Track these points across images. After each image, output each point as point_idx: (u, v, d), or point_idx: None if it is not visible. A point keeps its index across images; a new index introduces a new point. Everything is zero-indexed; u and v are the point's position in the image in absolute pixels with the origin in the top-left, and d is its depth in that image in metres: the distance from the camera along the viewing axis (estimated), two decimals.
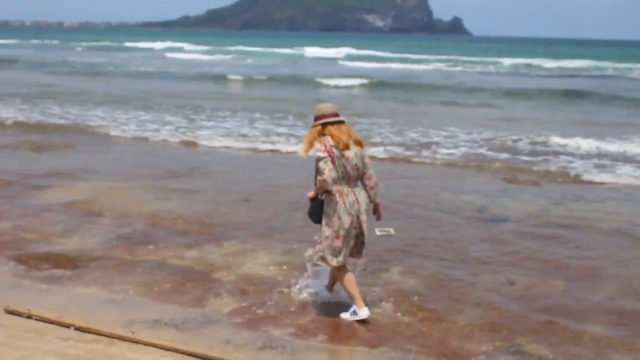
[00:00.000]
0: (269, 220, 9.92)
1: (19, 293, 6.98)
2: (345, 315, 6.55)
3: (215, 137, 17.69)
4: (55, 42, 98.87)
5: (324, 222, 6.42)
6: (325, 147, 6.20)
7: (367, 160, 6.47)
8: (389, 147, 16.30)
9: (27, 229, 9.24)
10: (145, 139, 17.42)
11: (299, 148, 6.66)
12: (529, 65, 57.64)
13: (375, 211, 6.73)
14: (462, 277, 7.77)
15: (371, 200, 6.57)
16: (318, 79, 37.40)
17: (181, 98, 27.31)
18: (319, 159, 6.20)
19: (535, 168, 14.15)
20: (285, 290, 7.17)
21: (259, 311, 6.68)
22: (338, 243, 6.38)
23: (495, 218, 10.40)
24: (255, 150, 16.15)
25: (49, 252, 8.23)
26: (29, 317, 6.23)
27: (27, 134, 17.49)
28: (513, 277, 7.80)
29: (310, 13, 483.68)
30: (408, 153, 15.75)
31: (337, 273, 6.60)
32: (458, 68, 54.82)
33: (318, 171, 6.22)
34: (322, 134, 6.32)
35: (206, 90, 32.01)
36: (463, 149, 16.33)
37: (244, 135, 18.03)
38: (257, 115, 22.24)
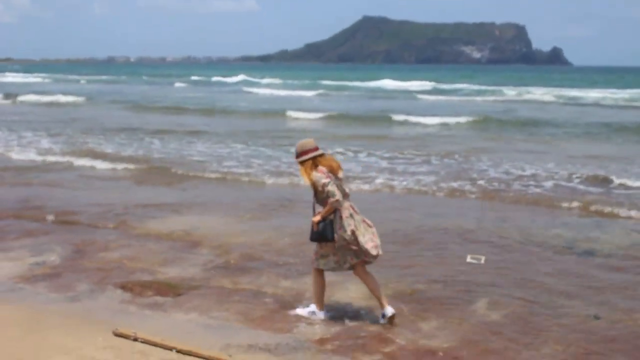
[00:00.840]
0: None
1: (126, 318, 7.52)
2: (300, 311, 7.69)
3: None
4: (144, 77, 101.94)
5: (335, 238, 7.29)
6: (325, 174, 7.20)
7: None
8: (481, 182, 16.38)
9: (132, 259, 9.86)
10: (243, 173, 17.90)
11: (304, 179, 7.49)
12: (620, 98, 55.21)
13: None
14: (548, 311, 7.88)
15: None
16: (396, 116, 35.62)
17: (271, 133, 27.90)
18: (325, 185, 7.15)
19: (627, 203, 13.99)
20: (373, 319, 7.48)
21: (348, 339, 7.01)
22: (338, 252, 7.38)
23: (584, 252, 10.43)
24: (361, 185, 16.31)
25: (153, 280, 8.80)
26: (135, 339, 6.73)
27: (128, 168, 18.32)
28: (600, 312, 7.87)
29: (406, 45, 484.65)
30: (501, 187, 15.81)
31: (317, 275, 7.62)
32: (551, 98, 54.04)
33: (329, 194, 7.13)
34: (315, 165, 7.31)
35: (285, 126, 32.46)
36: (557, 183, 16.28)
37: (347, 170, 18.24)
38: (355, 149, 22.46)
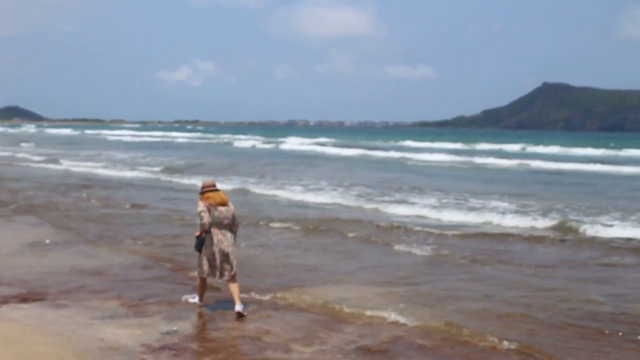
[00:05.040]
0: (543, 342, 8.82)
1: None
2: (185, 297, 10.56)
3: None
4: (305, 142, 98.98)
5: (202, 251, 9.84)
6: (206, 204, 9.77)
7: (235, 214, 10.03)
8: None
9: (267, 332, 8.96)
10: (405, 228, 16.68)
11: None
12: None
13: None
14: None
15: (234, 238, 10.05)
16: None
17: None
18: (199, 212, 9.75)
19: None
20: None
21: None
22: (207, 263, 9.82)
23: None
24: None
25: None
26: None
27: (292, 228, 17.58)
28: None
29: (588, 113, 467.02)
30: None
31: (200, 281, 10.16)
32: None
33: (200, 219, 9.71)
34: (205, 198, 9.87)
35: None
36: None
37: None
38: None
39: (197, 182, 27.94)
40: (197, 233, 9.87)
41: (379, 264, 13.51)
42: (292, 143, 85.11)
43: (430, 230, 17.35)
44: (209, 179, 10.33)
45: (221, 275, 9.88)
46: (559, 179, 35.93)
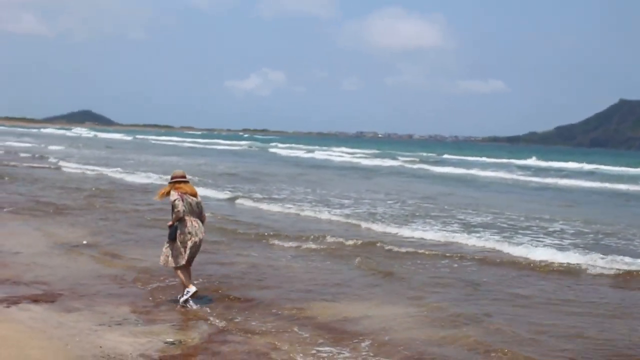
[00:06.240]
0: None
1: None
2: (180, 298, 10.27)
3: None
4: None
5: (177, 238, 10.20)
6: (178, 193, 10.19)
7: (202, 205, 10.58)
8: None
9: (273, 348, 8.46)
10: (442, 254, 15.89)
11: (158, 195, 10.67)
12: None
13: None
14: None
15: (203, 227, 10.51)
16: None
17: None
18: (174, 201, 10.11)
19: None
20: None
21: None
22: (183, 251, 10.21)
23: None
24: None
25: None
26: None
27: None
28: None
29: None
30: None
31: (178, 270, 10.33)
32: None
33: (174, 207, 10.09)
34: (176, 188, 10.29)
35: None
36: None
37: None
38: None
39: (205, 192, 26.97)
40: (170, 223, 10.33)
41: (398, 286, 12.71)
42: (348, 154, 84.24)
43: (457, 254, 16.01)
44: (179, 170, 10.81)
45: (189, 260, 10.34)
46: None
